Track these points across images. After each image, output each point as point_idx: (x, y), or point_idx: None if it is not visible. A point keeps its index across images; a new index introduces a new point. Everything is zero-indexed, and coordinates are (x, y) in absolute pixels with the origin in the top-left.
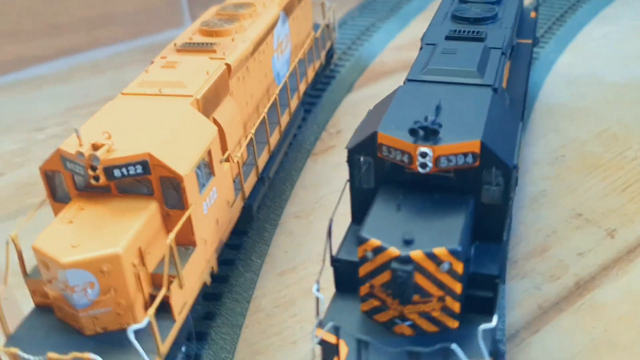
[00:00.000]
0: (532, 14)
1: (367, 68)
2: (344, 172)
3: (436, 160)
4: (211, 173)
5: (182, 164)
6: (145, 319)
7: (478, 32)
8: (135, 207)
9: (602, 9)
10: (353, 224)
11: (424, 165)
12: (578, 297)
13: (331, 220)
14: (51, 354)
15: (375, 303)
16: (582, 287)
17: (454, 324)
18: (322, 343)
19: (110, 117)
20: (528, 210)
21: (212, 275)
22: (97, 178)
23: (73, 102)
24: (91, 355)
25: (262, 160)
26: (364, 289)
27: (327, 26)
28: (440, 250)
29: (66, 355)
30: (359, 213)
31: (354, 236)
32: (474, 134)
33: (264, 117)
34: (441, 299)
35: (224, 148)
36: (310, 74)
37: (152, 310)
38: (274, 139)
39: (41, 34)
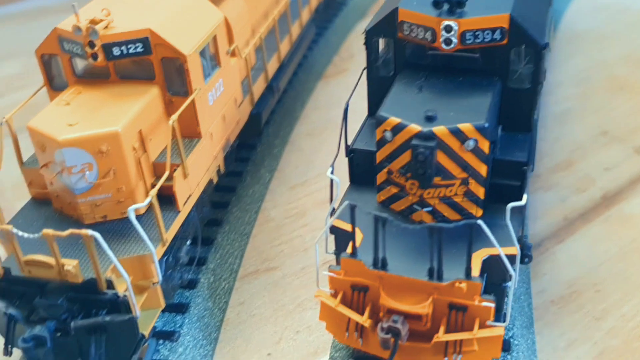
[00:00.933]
0: None
1: None
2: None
3: (461, 36)
4: (217, 63)
5: (186, 43)
6: (147, 199)
7: None
8: (135, 91)
9: None
10: (369, 117)
11: (448, 42)
12: (605, 209)
13: (347, 104)
14: (46, 231)
15: (393, 190)
16: (608, 200)
17: (477, 211)
18: (335, 231)
19: (106, 3)
20: (551, 128)
21: (220, 175)
22: (95, 56)
23: None
24: (90, 231)
25: (271, 67)
26: (381, 176)
27: None
28: (465, 126)
29: (63, 232)
30: (376, 104)
31: (371, 128)
32: (502, 8)
33: (275, 23)
34: (464, 182)
35: (230, 42)
36: None
37: (154, 191)
38: (284, 47)
39: None
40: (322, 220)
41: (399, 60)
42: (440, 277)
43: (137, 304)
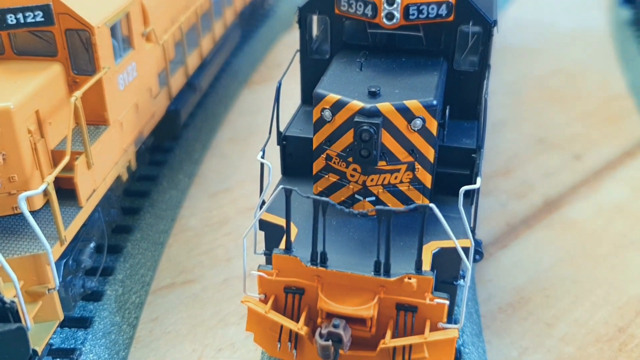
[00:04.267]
0: None
1: None
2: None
3: (405, 10)
4: (130, 45)
5: (94, 14)
6: (42, 185)
7: None
8: (33, 68)
9: None
10: (303, 105)
11: (390, 16)
12: (547, 214)
13: (279, 83)
14: None
15: (332, 179)
16: (550, 205)
17: (424, 202)
18: (265, 227)
19: None
20: (487, 135)
21: (131, 175)
22: None
23: None
24: None
25: (192, 62)
26: (318, 163)
27: None
28: (413, 103)
29: None
30: (311, 90)
31: (305, 115)
32: None
33: (197, 18)
34: (411, 167)
35: (146, 25)
36: None
37: (51, 177)
38: (206, 43)
39: None
40: (247, 229)
41: (336, 41)
42: (387, 272)
43: (27, 313)
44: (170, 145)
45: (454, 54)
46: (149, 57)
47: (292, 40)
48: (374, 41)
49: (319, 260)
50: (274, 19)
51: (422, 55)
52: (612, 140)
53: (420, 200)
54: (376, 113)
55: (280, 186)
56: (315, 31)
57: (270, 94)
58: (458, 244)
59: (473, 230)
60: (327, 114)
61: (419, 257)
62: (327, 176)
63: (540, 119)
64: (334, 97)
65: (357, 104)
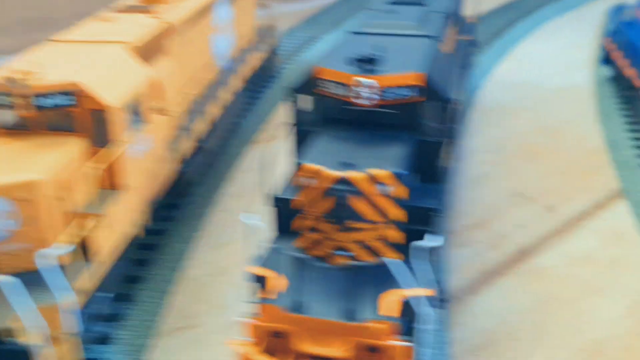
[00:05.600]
0: (473, 20)
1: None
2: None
3: (382, 92)
4: (144, 120)
5: (112, 97)
6: (65, 245)
7: (419, 2)
8: (60, 142)
9: (537, 27)
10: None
11: (367, 97)
12: (519, 263)
13: (264, 153)
14: None
15: (314, 236)
16: (522, 254)
17: (398, 257)
18: (258, 280)
19: (36, 58)
20: (469, 189)
21: (147, 229)
22: (24, 107)
23: None
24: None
25: (200, 128)
26: (300, 223)
27: (270, 27)
28: (382, 173)
29: None
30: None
31: None
32: (417, 67)
33: (204, 88)
34: (383, 228)
35: (158, 100)
36: (255, 62)
37: (75, 238)
38: (215, 109)
39: None
40: (245, 278)
41: (321, 116)
42: (356, 318)
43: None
44: (177, 202)
45: (422, 127)
46: (161, 129)
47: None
48: (355, 116)
49: (297, 309)
50: (279, 81)
51: (396, 128)
52: (584, 193)
53: (394, 255)
54: (348, 182)
55: (266, 245)
56: (304, 107)
57: (274, 151)
58: (413, 293)
59: (437, 281)
60: (307, 181)
61: (381, 305)
62: (308, 234)
63: (519, 173)
64: (312, 167)
65: (332, 173)
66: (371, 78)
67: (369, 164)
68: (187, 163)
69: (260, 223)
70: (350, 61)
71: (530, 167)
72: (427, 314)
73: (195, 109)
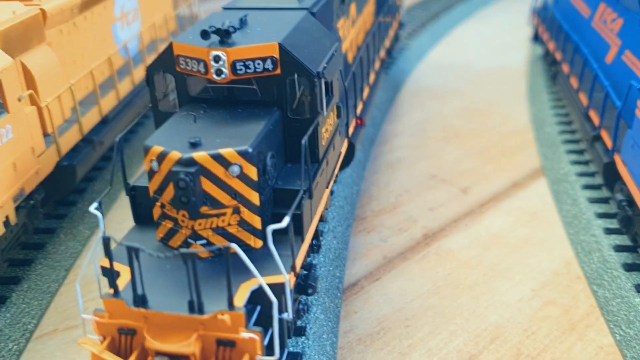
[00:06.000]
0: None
1: None
2: None
3: (232, 66)
4: (5, 109)
5: None
6: None
7: None
8: None
9: (477, 10)
10: None
11: (219, 72)
12: (424, 247)
13: (120, 138)
14: None
15: (169, 225)
16: (429, 238)
17: (256, 242)
18: (107, 273)
19: None
20: (382, 174)
21: (7, 226)
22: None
23: None
24: None
25: (88, 121)
26: (156, 211)
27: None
28: (227, 152)
29: None
30: None
31: None
32: (273, 38)
33: (94, 80)
34: (236, 211)
35: (25, 89)
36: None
37: None
38: (106, 102)
39: None
40: None
41: (182, 95)
42: (200, 310)
43: None
44: (73, 199)
45: (286, 104)
46: (29, 119)
47: None
48: (215, 94)
49: (140, 303)
50: None
51: (258, 105)
52: (503, 173)
53: (252, 241)
54: (192, 162)
55: (100, 237)
56: (165, 86)
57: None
58: (263, 280)
59: (293, 267)
60: (155, 165)
61: (229, 294)
62: (164, 223)
63: (437, 156)
64: (158, 148)
65: (175, 154)
66: (221, 51)
67: (217, 142)
68: (70, 157)
69: (96, 212)
70: (206, 35)
71: (450, 149)
72: (271, 300)
73: (86, 101)
